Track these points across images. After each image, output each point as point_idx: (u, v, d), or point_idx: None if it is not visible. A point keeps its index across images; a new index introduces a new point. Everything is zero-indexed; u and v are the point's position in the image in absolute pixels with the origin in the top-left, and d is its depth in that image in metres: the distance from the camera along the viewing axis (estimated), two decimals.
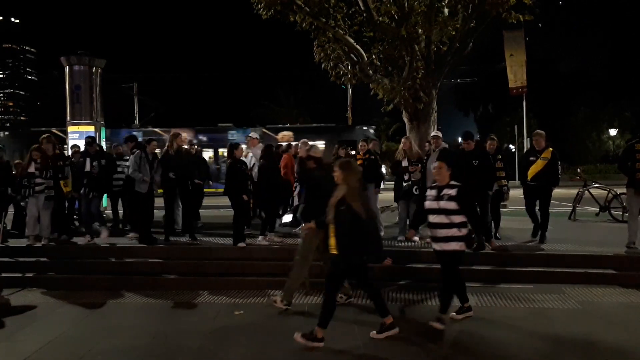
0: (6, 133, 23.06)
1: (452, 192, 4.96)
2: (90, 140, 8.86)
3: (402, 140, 8.59)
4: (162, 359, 4.55)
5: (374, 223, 4.85)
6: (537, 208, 7.98)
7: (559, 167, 7.69)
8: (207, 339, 4.85)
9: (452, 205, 4.93)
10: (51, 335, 5.09)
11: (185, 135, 22.08)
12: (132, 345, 4.82)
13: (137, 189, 7.95)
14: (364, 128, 23.08)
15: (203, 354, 4.58)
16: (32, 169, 7.88)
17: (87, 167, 8.29)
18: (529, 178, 7.72)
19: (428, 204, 5.15)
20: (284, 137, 21.37)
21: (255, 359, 4.51)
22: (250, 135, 10.02)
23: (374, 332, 4.81)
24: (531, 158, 7.80)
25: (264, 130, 22.50)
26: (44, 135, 8.38)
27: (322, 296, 6.25)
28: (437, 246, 5.07)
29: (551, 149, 7.64)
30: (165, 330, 5.24)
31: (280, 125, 25.72)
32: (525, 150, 13.48)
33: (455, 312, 5.28)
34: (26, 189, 7.82)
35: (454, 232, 4.94)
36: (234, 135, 22.20)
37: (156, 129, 23.52)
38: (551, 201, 7.98)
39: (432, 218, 5.05)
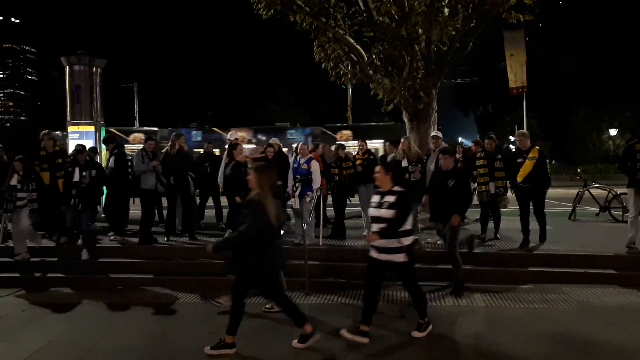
0: (59, 134, 22.64)
1: (392, 199, 4.62)
2: (81, 148, 8.15)
3: (402, 140, 8.59)
4: (162, 359, 4.56)
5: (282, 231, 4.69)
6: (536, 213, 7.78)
7: (548, 166, 7.44)
8: (207, 339, 4.84)
9: (391, 213, 4.58)
10: (51, 335, 5.09)
11: (244, 134, 22.01)
12: (132, 345, 4.82)
13: (143, 187, 7.96)
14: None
15: (203, 354, 4.58)
16: (14, 181, 7.57)
17: (76, 177, 7.65)
18: (519, 180, 7.44)
19: (371, 211, 4.85)
20: (343, 136, 21.35)
21: (255, 358, 4.51)
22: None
23: (295, 341, 4.64)
24: (518, 160, 7.50)
25: (323, 129, 22.27)
26: (44, 131, 8.28)
27: (322, 296, 6.28)
28: (375, 254, 4.70)
29: (537, 147, 7.46)
30: (165, 330, 5.25)
31: (339, 124, 25.26)
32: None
33: (346, 330, 4.81)
34: (7, 202, 7.46)
35: (394, 243, 4.61)
36: (292, 135, 22.20)
37: (215, 128, 23.42)
38: (552, 201, 7.98)
39: (374, 227, 4.71)
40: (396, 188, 4.72)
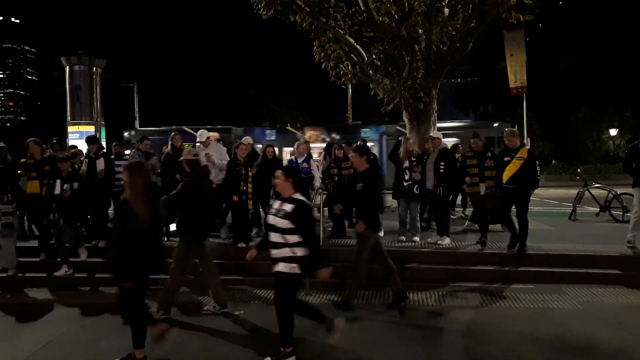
0: (132, 132, 22.16)
1: (288, 208, 4.24)
2: (64, 157, 7.54)
3: (402, 140, 8.58)
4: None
5: (159, 234, 4.44)
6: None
7: (537, 167, 7.07)
8: (207, 339, 4.85)
9: (285, 223, 4.20)
10: (51, 335, 5.09)
11: (317, 133, 21.81)
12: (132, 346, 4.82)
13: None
14: (504, 125, 21.87)
15: (204, 354, 4.58)
16: None
17: (57, 190, 7.06)
18: (504, 181, 7.08)
19: (268, 218, 4.47)
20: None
21: (255, 359, 4.51)
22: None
23: None
24: (505, 159, 7.13)
25: (397, 127, 21.47)
26: (31, 139, 7.80)
27: (321, 296, 6.28)
28: (274, 267, 4.34)
29: (527, 147, 7.15)
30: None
31: None
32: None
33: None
34: None
35: (286, 252, 4.23)
36: (366, 133, 21.81)
37: (289, 127, 23.21)
38: (552, 201, 7.93)
39: (270, 236, 4.34)
40: (296, 196, 4.30)
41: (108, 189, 8.13)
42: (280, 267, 4.26)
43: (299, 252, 4.22)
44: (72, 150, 8.67)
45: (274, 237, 4.28)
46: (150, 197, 4.24)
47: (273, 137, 21.78)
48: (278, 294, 4.38)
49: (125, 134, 22.00)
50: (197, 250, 5.65)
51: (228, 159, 7.94)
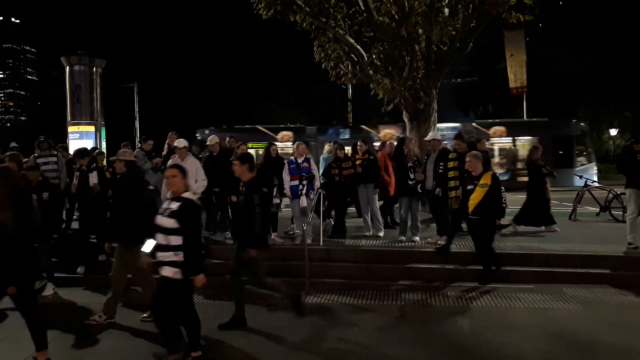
0: (206, 132, 21.60)
1: (175, 206, 4.03)
2: (32, 165, 7.16)
3: (407, 139, 8.59)
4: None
5: (30, 241, 4.17)
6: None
7: (503, 195, 6.34)
8: (207, 339, 4.85)
9: (170, 222, 3.99)
10: (51, 335, 5.08)
11: (393, 131, 21.67)
12: (133, 346, 4.82)
13: (155, 185, 7.97)
14: (580, 124, 21.44)
15: (203, 354, 4.58)
16: None
17: None
18: (469, 211, 6.41)
19: (156, 218, 4.19)
20: (496, 132, 20.66)
21: (255, 358, 4.51)
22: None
23: None
24: (469, 187, 6.46)
25: (475, 125, 21.56)
26: (7, 153, 7.20)
27: (322, 296, 6.28)
28: (160, 271, 4.10)
29: (491, 172, 6.47)
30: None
31: (490, 120, 24.37)
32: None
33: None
34: None
35: (169, 255, 4.00)
36: (442, 131, 21.69)
37: (363, 126, 22.93)
38: (552, 201, 7.86)
39: (157, 237, 4.11)
40: (185, 195, 4.11)
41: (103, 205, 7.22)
42: (165, 271, 4.02)
43: (181, 256, 4.00)
44: (97, 151, 8.76)
45: (159, 238, 4.07)
46: (18, 204, 4.04)
47: (347, 136, 21.46)
48: (162, 300, 4.11)
49: (197, 133, 21.63)
50: (127, 255, 5.28)
51: (204, 177, 7.22)
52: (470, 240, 7.97)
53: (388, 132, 21.48)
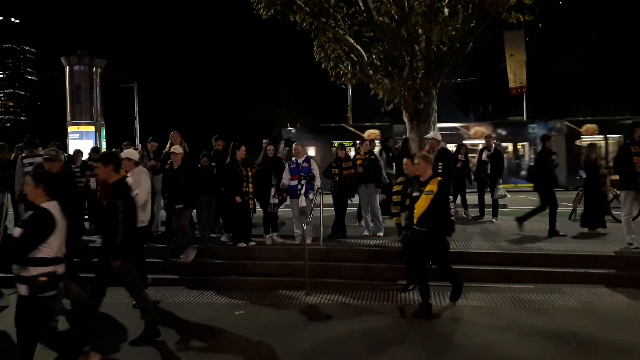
0: (292, 131, 21.44)
1: (27, 215, 3.78)
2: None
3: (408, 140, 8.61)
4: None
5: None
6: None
7: (451, 204, 5.62)
8: (207, 340, 4.85)
9: (19, 232, 3.68)
10: None
11: (483, 129, 21.34)
12: (130, 346, 4.82)
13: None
14: None
15: (203, 354, 4.58)
16: None
17: None
18: (415, 221, 5.55)
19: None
20: (588, 130, 20.15)
21: (255, 359, 4.52)
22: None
23: None
24: (414, 194, 5.62)
25: (567, 123, 20.99)
26: None
27: (322, 296, 6.28)
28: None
29: (439, 178, 5.61)
30: (165, 330, 5.24)
31: (581, 118, 23.77)
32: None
33: None
34: None
35: (20, 269, 3.67)
36: (534, 129, 21.13)
37: (454, 124, 22.49)
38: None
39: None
40: (44, 205, 3.77)
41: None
42: (20, 288, 3.70)
43: (33, 270, 3.65)
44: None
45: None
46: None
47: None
48: (18, 316, 3.73)
49: (283, 133, 21.36)
50: None
51: (145, 195, 6.05)
52: (469, 239, 8.02)
53: (478, 130, 21.00)
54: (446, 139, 9.68)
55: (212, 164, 8.40)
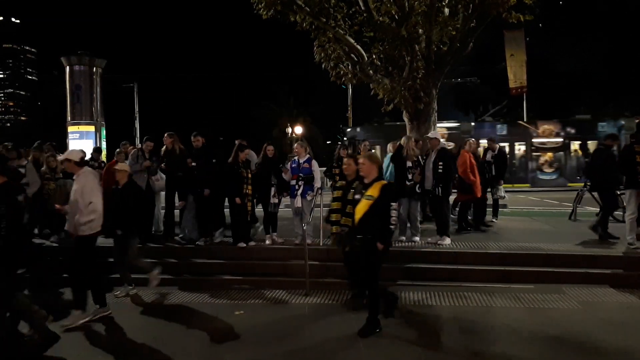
0: (358, 129, 20.96)
1: None
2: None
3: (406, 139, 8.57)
4: None
5: None
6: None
7: (393, 211, 4.93)
8: (207, 340, 4.85)
9: None
10: None
11: (551, 127, 20.96)
12: (133, 346, 4.83)
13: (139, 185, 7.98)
14: None
15: (203, 354, 4.58)
16: None
17: None
18: (356, 222, 5.09)
19: None
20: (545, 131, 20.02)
21: (254, 359, 4.52)
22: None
23: None
24: (356, 196, 5.14)
25: (638, 120, 20.64)
26: None
27: (322, 296, 6.28)
28: None
29: (383, 182, 5.07)
30: (165, 330, 5.24)
31: None
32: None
33: None
34: None
35: None
36: (603, 127, 20.92)
37: (520, 122, 22.27)
38: (552, 201, 7.79)
39: None
40: None
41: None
42: None
43: None
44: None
45: None
46: None
47: (504, 132, 21.05)
48: None
49: (349, 130, 20.97)
50: None
51: (92, 198, 5.42)
52: (469, 239, 8.02)
53: (547, 128, 20.92)
54: (516, 137, 9.54)
55: (193, 164, 8.04)
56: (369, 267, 5.05)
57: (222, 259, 7.55)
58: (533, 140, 21.60)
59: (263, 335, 5.00)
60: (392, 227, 4.96)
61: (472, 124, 22.14)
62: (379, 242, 4.89)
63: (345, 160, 5.88)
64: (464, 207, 8.98)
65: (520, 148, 21.93)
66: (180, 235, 8.26)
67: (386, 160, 8.82)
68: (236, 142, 8.05)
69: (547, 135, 20.71)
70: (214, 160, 8.01)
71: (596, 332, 4.93)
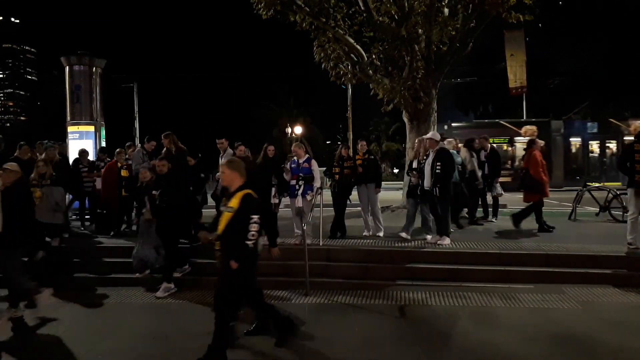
0: (445, 127, 20.36)
1: None
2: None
3: (416, 141, 8.58)
4: None
5: None
6: None
7: (253, 225, 4.24)
8: (207, 340, 4.84)
9: None
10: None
11: None
12: (132, 346, 4.83)
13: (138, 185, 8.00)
14: None
15: (203, 354, 4.57)
16: None
17: None
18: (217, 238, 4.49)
19: None
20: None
21: (254, 359, 4.51)
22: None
23: None
24: (221, 208, 4.63)
25: None
26: None
27: (322, 296, 6.28)
28: None
29: (245, 191, 4.45)
30: (165, 330, 5.24)
31: None
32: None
33: None
34: None
35: None
36: None
37: (612, 120, 21.71)
38: (552, 201, 7.78)
39: None
40: None
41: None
42: None
43: None
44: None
45: None
46: None
47: (595, 130, 20.62)
48: None
49: (446, 127, 20.52)
50: None
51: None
52: (469, 239, 8.02)
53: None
54: (607, 135, 9.15)
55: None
56: (225, 289, 4.34)
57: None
58: (625, 138, 20.95)
59: (263, 336, 4.99)
60: (249, 242, 4.24)
61: (562, 121, 21.66)
62: (232, 260, 4.23)
63: (220, 167, 4.84)
64: (538, 210, 8.75)
65: (611, 146, 21.52)
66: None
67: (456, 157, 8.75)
68: (235, 144, 8.22)
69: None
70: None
71: (596, 332, 4.93)
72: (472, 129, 20.71)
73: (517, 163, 19.14)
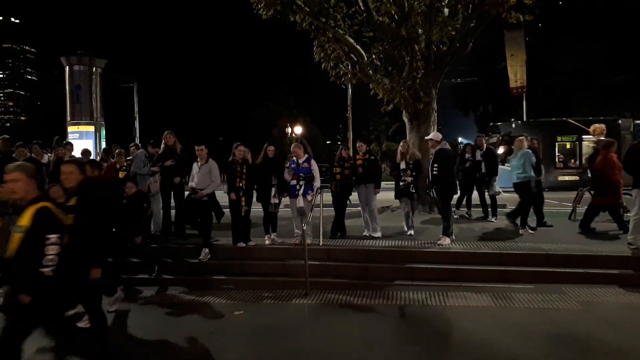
0: (512, 125, 20.19)
1: None
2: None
3: (401, 143, 8.74)
4: None
5: None
6: None
7: (51, 247, 3.30)
8: (207, 340, 4.85)
9: None
10: None
11: None
12: (132, 346, 4.83)
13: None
14: None
15: (202, 354, 4.58)
16: None
17: None
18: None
19: None
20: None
21: (254, 359, 4.51)
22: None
23: None
24: (12, 227, 3.83)
25: None
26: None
27: (322, 296, 6.29)
28: None
29: (42, 204, 3.48)
30: (165, 330, 5.24)
31: None
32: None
33: None
34: None
35: None
36: None
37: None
38: (552, 201, 7.77)
39: None
40: None
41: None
42: None
43: None
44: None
45: None
46: None
47: None
48: None
49: (502, 126, 20.30)
50: None
51: None
52: (469, 239, 8.02)
53: None
54: None
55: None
56: (6, 336, 3.31)
57: (221, 259, 7.55)
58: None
59: (263, 335, 4.99)
60: (45, 270, 3.25)
61: (631, 120, 21.10)
62: (23, 294, 3.27)
63: (7, 172, 3.54)
64: (597, 212, 8.59)
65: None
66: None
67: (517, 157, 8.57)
68: (235, 144, 8.21)
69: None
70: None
71: (596, 332, 4.92)
72: (540, 127, 20.32)
73: (584, 162, 18.88)
